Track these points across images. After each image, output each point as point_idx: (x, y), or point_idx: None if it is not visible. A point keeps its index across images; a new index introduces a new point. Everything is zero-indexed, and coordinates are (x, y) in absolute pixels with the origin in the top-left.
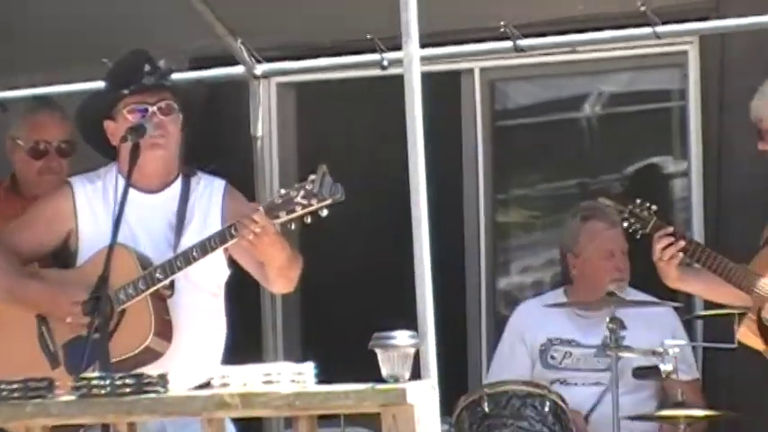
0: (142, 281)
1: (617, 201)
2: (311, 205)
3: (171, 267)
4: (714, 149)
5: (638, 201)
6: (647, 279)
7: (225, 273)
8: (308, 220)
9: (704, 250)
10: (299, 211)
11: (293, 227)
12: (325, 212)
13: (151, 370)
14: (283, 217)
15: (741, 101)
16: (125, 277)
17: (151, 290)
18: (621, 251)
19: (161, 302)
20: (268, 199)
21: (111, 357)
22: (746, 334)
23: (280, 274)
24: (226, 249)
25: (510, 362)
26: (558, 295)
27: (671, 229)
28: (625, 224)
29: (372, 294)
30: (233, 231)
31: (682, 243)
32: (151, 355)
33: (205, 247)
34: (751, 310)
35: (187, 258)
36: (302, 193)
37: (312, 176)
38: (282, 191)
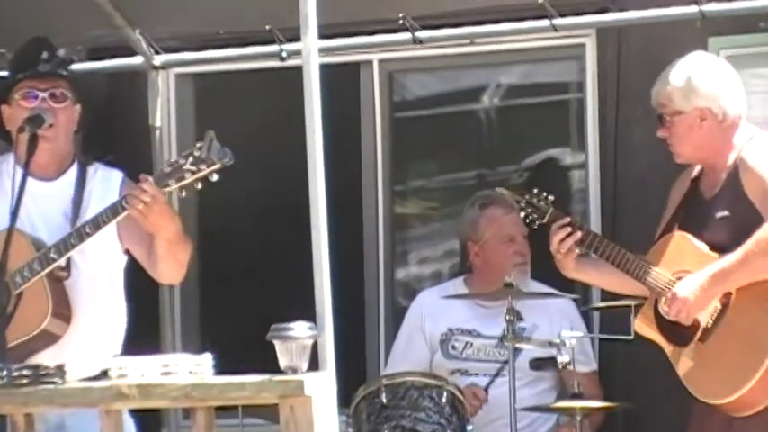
0: (37, 262)
1: (513, 191)
2: (200, 171)
3: (65, 245)
4: (611, 141)
5: (535, 191)
6: (545, 270)
7: (121, 259)
8: (199, 186)
9: (601, 241)
10: (189, 178)
11: (184, 194)
12: (215, 177)
13: (49, 357)
14: (173, 185)
15: (638, 93)
16: (20, 261)
17: (47, 270)
18: (522, 235)
19: (58, 284)
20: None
21: (9, 341)
22: (642, 325)
23: (169, 252)
24: (120, 239)
25: (408, 352)
26: (458, 285)
27: (568, 220)
28: (522, 214)
29: (271, 285)
30: (124, 204)
31: (578, 234)
32: (49, 338)
33: (97, 222)
34: (647, 302)
35: (80, 234)
36: (191, 159)
37: (199, 143)
38: (171, 159)
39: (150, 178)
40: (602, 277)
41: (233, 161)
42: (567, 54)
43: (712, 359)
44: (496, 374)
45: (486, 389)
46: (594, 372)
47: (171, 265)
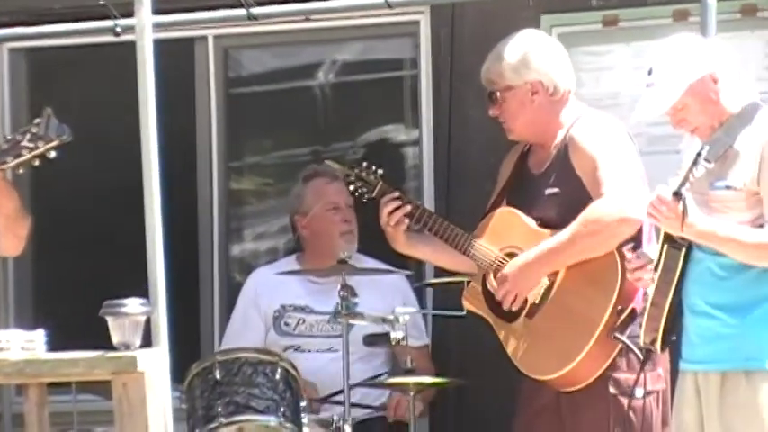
0: None
1: (343, 164)
2: (38, 148)
3: None
4: (445, 118)
5: (365, 164)
6: (379, 246)
7: None
8: (37, 163)
9: (430, 215)
10: (27, 155)
11: (21, 171)
12: (53, 154)
13: None
14: (11, 162)
15: (472, 70)
16: None
17: None
18: (346, 204)
19: None
20: None
21: None
22: (471, 301)
23: (8, 228)
24: None
25: (244, 329)
26: (291, 262)
27: (397, 194)
28: (351, 188)
29: (106, 262)
30: None
31: (408, 207)
32: None
33: None
34: (475, 278)
35: None
36: (28, 136)
37: (37, 120)
38: (8, 136)
39: None
40: (433, 253)
41: (71, 138)
42: (401, 31)
43: (540, 335)
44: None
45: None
46: (427, 346)
47: (10, 241)
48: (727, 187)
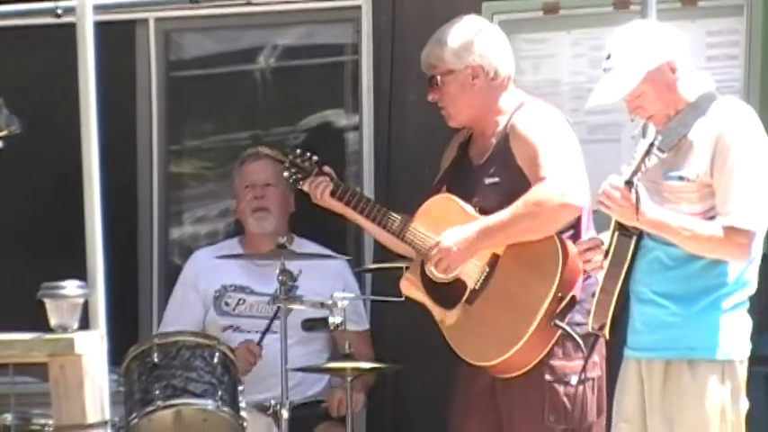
0: None
1: (278, 150)
2: None
3: None
4: (385, 104)
5: (299, 151)
6: (320, 231)
7: None
8: None
9: (368, 202)
10: None
11: None
12: (0, 144)
13: None
14: None
15: (413, 56)
16: None
17: None
18: (265, 183)
19: None
20: None
21: None
22: (409, 287)
23: None
24: None
25: (182, 310)
26: (233, 245)
27: (328, 171)
28: (285, 174)
29: (44, 244)
30: None
31: (332, 185)
32: None
33: None
34: (413, 263)
35: None
36: None
37: None
38: None
39: None
40: (374, 232)
41: (20, 130)
42: (342, 16)
43: (479, 322)
44: (267, 329)
45: (259, 343)
46: (366, 331)
47: None
48: (681, 178)
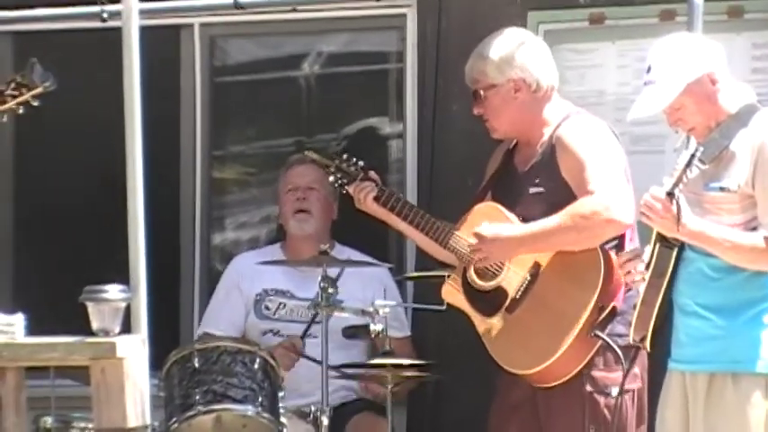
0: None
1: (324, 155)
2: (22, 95)
3: None
4: (429, 112)
5: (345, 156)
6: (362, 238)
7: None
8: (21, 110)
9: (411, 208)
10: (11, 102)
11: (5, 119)
12: (36, 103)
13: None
14: None
15: (457, 65)
16: None
17: None
18: (307, 186)
19: None
20: None
21: None
22: (451, 293)
23: None
24: None
25: (225, 308)
26: (275, 250)
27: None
28: (331, 178)
29: (87, 247)
30: None
31: (376, 189)
32: None
33: None
34: (456, 270)
35: None
36: (12, 85)
37: (22, 72)
38: None
39: None
40: (417, 238)
41: (55, 86)
42: (388, 24)
43: (519, 330)
44: (306, 330)
45: (302, 338)
46: (408, 337)
47: None
48: (722, 189)
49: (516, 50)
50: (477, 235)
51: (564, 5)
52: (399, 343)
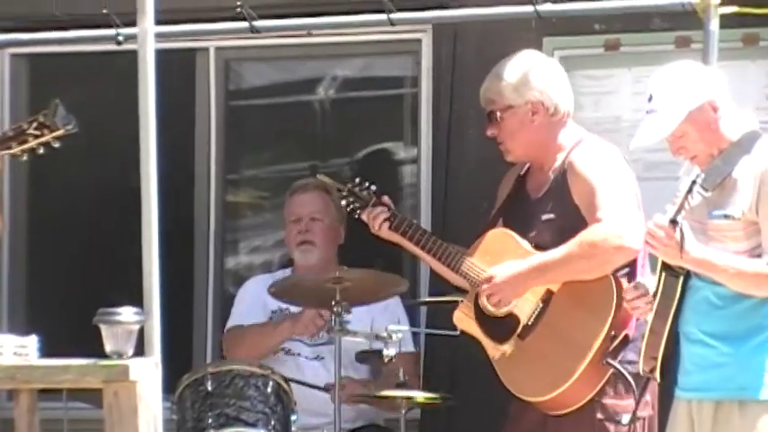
0: None
1: (336, 179)
2: (44, 135)
3: None
4: (444, 137)
5: (357, 180)
6: (376, 261)
7: None
8: (41, 150)
9: (424, 233)
10: (32, 142)
11: (26, 158)
12: (57, 144)
13: None
14: (15, 147)
15: (472, 90)
16: None
17: None
18: (310, 217)
19: None
20: None
21: None
22: (462, 319)
23: None
24: None
25: (252, 307)
26: (287, 275)
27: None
28: (343, 202)
29: (100, 270)
30: None
31: (388, 213)
32: None
33: None
34: (467, 296)
35: None
36: (35, 124)
37: (45, 111)
38: (15, 124)
39: None
40: (430, 263)
41: (77, 129)
42: (403, 49)
43: (531, 357)
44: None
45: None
46: (412, 354)
47: None
48: (726, 216)
49: (535, 72)
50: (488, 279)
51: (579, 31)
52: (403, 359)
